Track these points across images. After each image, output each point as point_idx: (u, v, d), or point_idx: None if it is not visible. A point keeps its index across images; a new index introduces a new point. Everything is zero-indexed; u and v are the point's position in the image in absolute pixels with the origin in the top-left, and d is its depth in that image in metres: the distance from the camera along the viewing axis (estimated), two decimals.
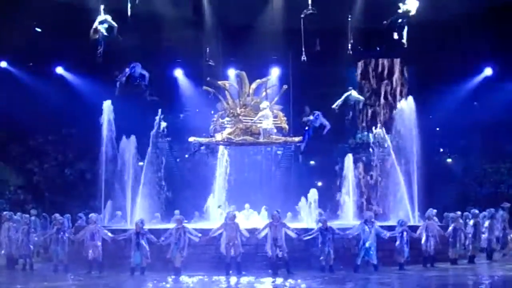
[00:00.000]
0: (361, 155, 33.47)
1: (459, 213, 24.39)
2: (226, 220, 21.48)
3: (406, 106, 27.68)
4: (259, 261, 21.09)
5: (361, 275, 20.28)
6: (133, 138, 26.64)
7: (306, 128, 27.74)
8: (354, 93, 30.32)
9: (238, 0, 33.18)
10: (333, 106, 29.24)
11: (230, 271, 20.42)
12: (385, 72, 35.26)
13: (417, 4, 26.70)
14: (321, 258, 20.59)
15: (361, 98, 31.22)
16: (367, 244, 20.64)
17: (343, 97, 29.72)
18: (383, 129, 31.48)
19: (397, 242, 21.32)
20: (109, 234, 21.25)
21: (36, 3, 33.10)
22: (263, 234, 20.67)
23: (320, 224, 21.07)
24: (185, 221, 22.17)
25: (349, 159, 29.65)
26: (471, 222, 23.77)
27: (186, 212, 27.88)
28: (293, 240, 20.79)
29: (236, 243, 20.48)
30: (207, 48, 30.06)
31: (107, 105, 26.20)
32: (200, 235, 20.75)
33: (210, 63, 30.42)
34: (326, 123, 27.45)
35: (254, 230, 21.10)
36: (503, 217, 25.20)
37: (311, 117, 27.55)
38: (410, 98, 27.63)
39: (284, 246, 20.35)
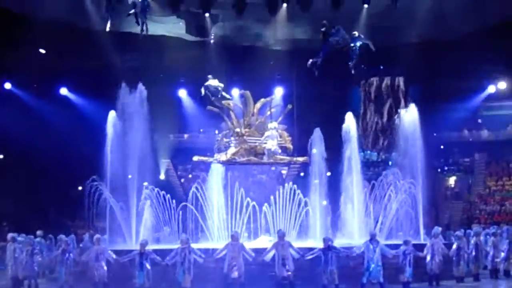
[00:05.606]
0: (365, 173, 33.33)
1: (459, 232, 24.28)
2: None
3: (409, 114, 27.02)
4: (265, 281, 20.92)
5: None
6: (137, 157, 26.31)
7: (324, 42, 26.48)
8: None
9: (241, 20, 33.32)
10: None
11: None
12: (389, 90, 35.27)
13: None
14: (324, 277, 20.43)
15: (367, 42, 29.23)
16: (372, 264, 20.50)
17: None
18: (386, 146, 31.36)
19: (399, 261, 21.20)
20: (113, 255, 21.16)
21: (40, 25, 33.32)
22: (270, 255, 20.42)
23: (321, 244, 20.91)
24: (190, 241, 22.07)
25: (353, 176, 29.35)
26: (472, 241, 23.67)
27: (190, 232, 27.74)
28: (298, 259, 20.67)
29: (238, 264, 20.28)
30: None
31: (112, 116, 25.61)
32: (203, 255, 20.63)
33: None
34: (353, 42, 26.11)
35: (261, 250, 20.96)
36: (509, 233, 25.05)
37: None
38: (413, 105, 27.04)
39: (291, 265, 20.22)
